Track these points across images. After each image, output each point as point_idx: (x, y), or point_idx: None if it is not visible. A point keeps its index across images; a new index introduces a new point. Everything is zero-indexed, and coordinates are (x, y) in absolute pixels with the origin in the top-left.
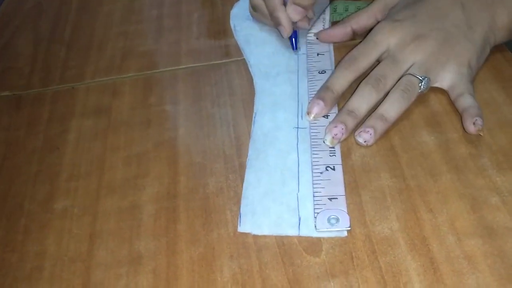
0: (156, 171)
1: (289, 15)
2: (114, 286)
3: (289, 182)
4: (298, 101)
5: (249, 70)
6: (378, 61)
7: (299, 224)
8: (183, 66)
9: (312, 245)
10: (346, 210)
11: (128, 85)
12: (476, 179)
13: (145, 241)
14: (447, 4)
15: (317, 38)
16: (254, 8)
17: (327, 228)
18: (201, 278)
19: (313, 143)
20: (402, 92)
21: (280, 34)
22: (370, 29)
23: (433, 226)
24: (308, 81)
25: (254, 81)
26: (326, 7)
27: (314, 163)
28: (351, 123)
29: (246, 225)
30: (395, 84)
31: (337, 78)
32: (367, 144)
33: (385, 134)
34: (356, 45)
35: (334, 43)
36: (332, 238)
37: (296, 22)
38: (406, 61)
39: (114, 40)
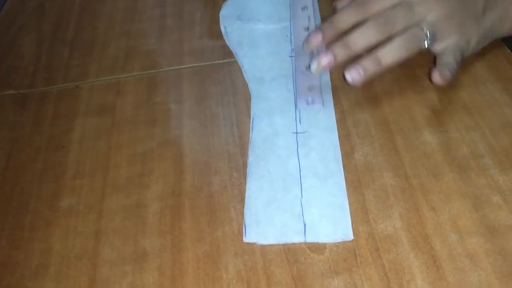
0: (161, 170)
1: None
2: (120, 283)
3: (291, 189)
4: (295, 106)
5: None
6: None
7: (305, 231)
8: (187, 66)
9: (316, 242)
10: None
11: (132, 84)
12: (478, 178)
13: (151, 238)
14: None
15: None
16: None
17: None
18: (206, 275)
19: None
20: (406, 41)
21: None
22: None
23: (436, 225)
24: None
25: (249, 86)
26: None
27: None
28: (342, 55)
29: (252, 236)
30: (400, 32)
31: (342, 15)
32: (353, 83)
33: (388, 134)
34: None
35: None
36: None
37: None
38: (421, 14)
39: (117, 39)
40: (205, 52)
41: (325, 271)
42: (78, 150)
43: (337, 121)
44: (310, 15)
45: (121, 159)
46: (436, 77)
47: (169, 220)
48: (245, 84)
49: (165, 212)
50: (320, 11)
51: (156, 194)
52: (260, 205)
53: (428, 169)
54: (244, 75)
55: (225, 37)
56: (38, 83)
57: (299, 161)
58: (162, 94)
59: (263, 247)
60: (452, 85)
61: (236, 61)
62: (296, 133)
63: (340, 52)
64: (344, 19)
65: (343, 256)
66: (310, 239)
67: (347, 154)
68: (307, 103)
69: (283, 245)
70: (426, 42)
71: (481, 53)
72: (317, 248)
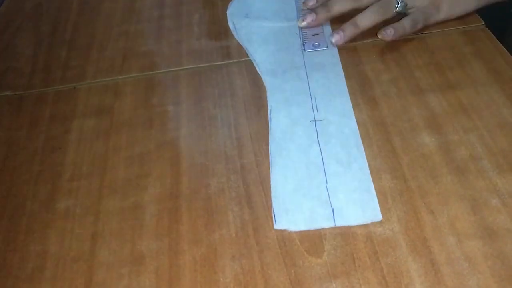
0: (158, 172)
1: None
2: (116, 286)
3: (316, 175)
4: (310, 95)
5: (250, 72)
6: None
7: (334, 215)
8: (185, 67)
9: (314, 245)
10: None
11: (130, 85)
12: (477, 181)
13: (148, 241)
14: None
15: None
16: None
17: None
18: (203, 279)
19: None
20: (378, 7)
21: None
22: None
23: (434, 228)
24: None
25: (263, 79)
26: None
27: None
28: (322, 15)
29: (282, 223)
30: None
31: (338, 2)
32: (336, 43)
33: (386, 136)
34: None
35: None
36: (333, 239)
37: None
38: None
39: (115, 40)
40: (203, 53)
41: (323, 275)
42: (75, 151)
43: None
44: None
45: (119, 160)
46: (380, 32)
47: (166, 222)
48: (243, 86)
49: (162, 214)
50: None
51: (153, 196)
52: (287, 193)
53: (427, 171)
54: (257, 68)
55: (234, 34)
56: (35, 84)
57: (320, 148)
58: (160, 96)
59: (260, 250)
60: (449, 86)
61: (234, 63)
62: (315, 121)
63: (322, 12)
64: (339, 4)
65: (341, 260)
66: (340, 223)
67: None
68: (314, 46)
69: (281, 248)
70: (397, 6)
71: (478, 54)
72: (315, 251)
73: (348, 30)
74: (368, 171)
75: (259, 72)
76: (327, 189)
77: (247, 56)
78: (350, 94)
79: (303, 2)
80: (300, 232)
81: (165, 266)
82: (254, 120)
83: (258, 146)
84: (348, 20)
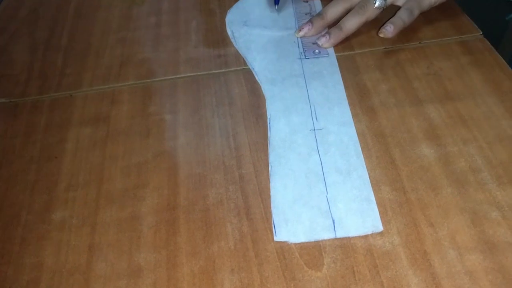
0: (156, 182)
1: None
2: None
3: (316, 185)
4: (309, 104)
5: (248, 80)
6: None
7: (334, 226)
8: (182, 75)
9: (314, 259)
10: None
11: (126, 93)
12: (476, 193)
13: (145, 253)
14: None
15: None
16: None
17: None
18: None
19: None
20: (358, 8)
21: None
22: None
23: (434, 241)
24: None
25: (262, 87)
26: None
27: None
28: (318, 23)
29: (282, 234)
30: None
31: (330, 8)
32: (323, 46)
33: (385, 147)
34: None
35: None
36: (333, 252)
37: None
38: None
39: (111, 48)
40: (201, 61)
41: None
42: (71, 161)
43: None
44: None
45: (115, 170)
46: (380, 31)
47: (164, 234)
48: (241, 95)
49: (160, 226)
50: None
51: (151, 207)
52: (286, 203)
53: (426, 183)
54: (256, 76)
55: (232, 41)
56: (31, 91)
57: (320, 157)
58: (157, 104)
59: (260, 263)
60: (448, 97)
61: (232, 71)
62: (314, 130)
63: (316, 21)
64: (332, 11)
65: (341, 273)
66: (341, 234)
67: None
68: (314, 54)
69: (280, 261)
70: (375, 2)
71: (477, 64)
72: (314, 264)
73: (333, 33)
74: (368, 180)
75: (258, 81)
76: (327, 199)
77: (245, 64)
78: (350, 104)
79: (298, 30)
80: (300, 244)
81: (163, 279)
82: (253, 129)
83: (257, 156)
84: None
